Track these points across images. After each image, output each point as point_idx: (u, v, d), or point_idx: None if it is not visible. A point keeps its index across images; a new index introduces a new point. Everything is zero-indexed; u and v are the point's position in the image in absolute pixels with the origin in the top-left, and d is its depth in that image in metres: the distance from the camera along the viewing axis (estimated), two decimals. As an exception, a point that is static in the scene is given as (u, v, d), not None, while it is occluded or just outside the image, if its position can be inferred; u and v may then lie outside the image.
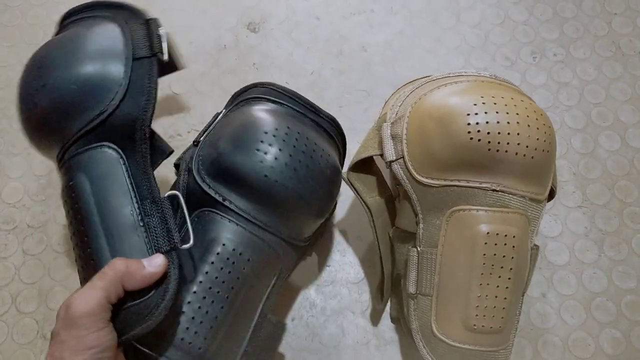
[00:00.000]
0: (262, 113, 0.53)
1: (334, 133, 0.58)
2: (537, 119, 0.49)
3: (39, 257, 0.66)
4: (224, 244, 0.49)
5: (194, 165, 0.52)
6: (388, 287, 0.59)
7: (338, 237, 0.66)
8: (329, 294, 0.63)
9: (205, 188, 0.50)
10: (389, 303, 0.62)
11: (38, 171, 0.70)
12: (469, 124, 0.47)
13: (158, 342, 0.46)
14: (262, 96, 0.56)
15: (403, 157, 0.51)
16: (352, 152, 0.57)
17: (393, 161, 0.52)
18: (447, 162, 0.48)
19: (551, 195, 0.54)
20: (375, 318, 0.62)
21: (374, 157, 0.56)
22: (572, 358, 0.59)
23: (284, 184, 0.49)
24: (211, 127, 0.55)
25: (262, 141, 0.49)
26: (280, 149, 0.49)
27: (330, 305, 0.63)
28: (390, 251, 0.58)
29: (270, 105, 0.55)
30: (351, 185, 0.55)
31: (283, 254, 0.52)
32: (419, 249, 0.52)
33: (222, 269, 0.48)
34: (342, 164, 0.59)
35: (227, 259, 0.48)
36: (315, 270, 0.65)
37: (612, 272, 0.63)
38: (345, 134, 0.60)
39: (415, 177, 0.50)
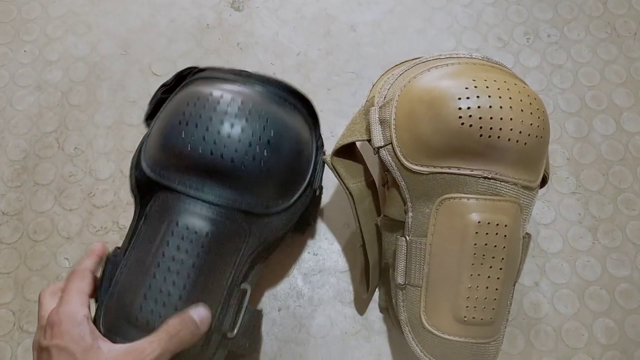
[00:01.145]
0: (188, 89, 0.52)
1: (287, 95, 0.54)
2: (530, 104, 0.47)
3: (14, 246, 0.63)
4: (177, 223, 0.48)
5: (136, 160, 0.52)
6: (375, 276, 0.57)
7: (326, 225, 0.64)
8: (317, 283, 0.62)
9: (148, 173, 0.50)
10: (377, 292, 0.60)
11: (13, 156, 0.67)
12: (460, 108, 0.44)
13: (121, 325, 0.46)
14: (200, 76, 0.55)
15: (391, 143, 0.49)
16: (339, 135, 0.54)
17: (381, 147, 0.49)
18: (437, 148, 0.46)
19: (543, 181, 0.52)
20: (361, 308, 0.61)
21: (357, 142, 0.54)
22: (565, 348, 0.58)
23: (209, 150, 0.48)
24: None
25: (183, 113, 0.49)
26: (200, 116, 0.48)
27: (318, 295, 0.61)
28: (378, 239, 0.56)
29: (202, 82, 0.53)
30: (334, 169, 0.52)
31: (247, 223, 0.50)
32: (407, 239, 0.51)
33: (178, 247, 0.47)
34: (312, 125, 0.56)
35: (182, 236, 0.47)
36: (303, 259, 0.63)
37: (606, 259, 0.61)
38: (334, 118, 0.58)
39: (404, 164, 0.48)
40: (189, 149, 0.48)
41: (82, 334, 0.43)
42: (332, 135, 0.66)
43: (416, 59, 0.54)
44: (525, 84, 0.49)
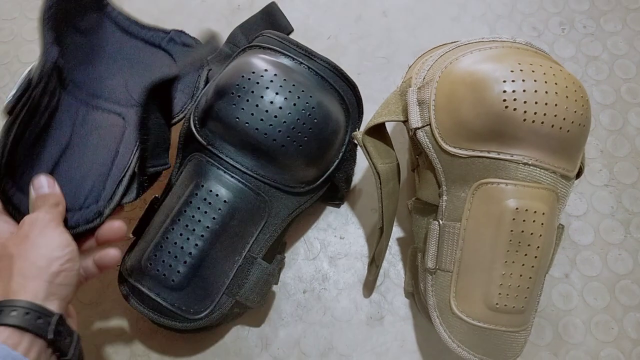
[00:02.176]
0: (246, 58, 0.53)
1: (335, 81, 0.55)
2: (575, 91, 0.46)
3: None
4: (202, 185, 0.51)
5: (191, 113, 0.54)
6: (383, 258, 0.57)
7: (353, 210, 0.64)
8: (343, 267, 0.61)
9: (195, 133, 0.53)
10: (404, 278, 0.60)
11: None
12: (504, 91, 0.44)
13: (137, 271, 0.52)
14: (259, 44, 0.56)
15: (430, 125, 0.48)
16: (368, 119, 0.54)
17: (418, 128, 0.49)
18: (478, 131, 0.45)
19: (579, 173, 0.51)
20: (367, 289, 0.60)
21: (385, 123, 0.53)
22: (594, 341, 0.57)
23: (255, 126, 0.50)
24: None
25: (237, 84, 0.51)
26: (253, 91, 0.50)
27: (344, 279, 0.61)
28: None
29: (261, 51, 0.55)
30: (364, 148, 0.52)
31: (271, 198, 0.53)
32: (440, 222, 0.50)
33: (199, 208, 0.51)
34: (350, 114, 0.57)
35: (204, 199, 0.51)
36: (329, 242, 0.62)
37: (638, 253, 0.60)
38: (363, 102, 0.57)
39: (442, 146, 0.48)
40: (237, 120, 0.50)
41: None
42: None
43: (456, 42, 0.53)
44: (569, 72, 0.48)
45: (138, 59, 0.61)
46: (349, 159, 0.58)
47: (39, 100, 0.49)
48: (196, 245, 0.50)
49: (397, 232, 0.63)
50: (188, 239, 0.50)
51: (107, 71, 0.59)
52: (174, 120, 0.54)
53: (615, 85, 0.68)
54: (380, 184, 0.52)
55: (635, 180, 0.63)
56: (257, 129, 0.50)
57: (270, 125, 0.50)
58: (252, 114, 0.50)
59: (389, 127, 0.54)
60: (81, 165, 0.51)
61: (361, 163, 0.63)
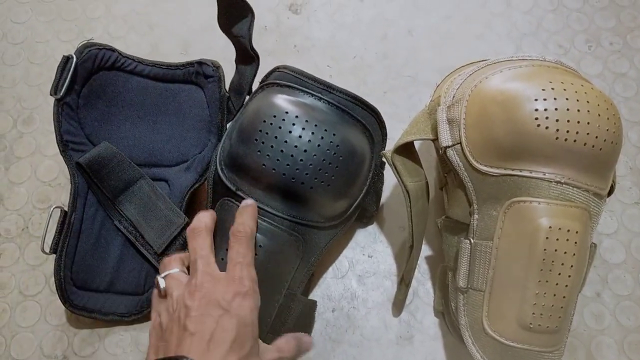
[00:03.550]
0: (266, 100, 0.53)
1: (356, 111, 0.55)
2: (607, 109, 0.46)
3: (74, 238, 0.64)
4: None
5: (217, 156, 0.55)
6: (411, 276, 0.57)
7: (381, 228, 0.64)
8: (371, 286, 0.61)
9: (223, 178, 0.53)
10: (434, 297, 0.60)
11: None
12: (536, 109, 0.44)
13: None
14: (276, 81, 0.55)
15: (460, 143, 0.48)
16: (395, 139, 0.54)
17: (449, 147, 0.49)
18: (510, 149, 0.46)
19: (610, 191, 0.51)
20: (397, 308, 0.60)
21: (414, 142, 0.53)
22: (628, 361, 0.56)
23: (282, 172, 0.50)
24: (235, 117, 0.57)
25: (260, 130, 0.50)
26: (276, 137, 0.50)
27: (372, 297, 0.61)
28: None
29: (279, 90, 0.54)
30: (394, 167, 0.52)
31: (304, 236, 0.53)
32: (472, 241, 0.50)
33: None
34: (374, 140, 0.57)
35: None
36: (357, 260, 0.62)
37: (671, 273, 0.60)
38: (389, 121, 0.58)
39: (472, 164, 0.48)
40: (263, 167, 0.50)
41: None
42: (388, 138, 0.65)
43: (484, 60, 0.53)
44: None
45: (169, 107, 0.64)
46: (377, 182, 0.58)
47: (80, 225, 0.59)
48: None
49: (426, 250, 0.62)
50: None
51: (138, 134, 0.63)
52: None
53: (643, 102, 0.68)
54: (410, 202, 0.52)
55: (666, 197, 0.63)
56: (284, 174, 0.50)
57: (297, 169, 0.50)
58: (278, 160, 0.50)
59: (416, 145, 0.54)
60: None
61: (389, 181, 0.63)
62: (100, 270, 0.59)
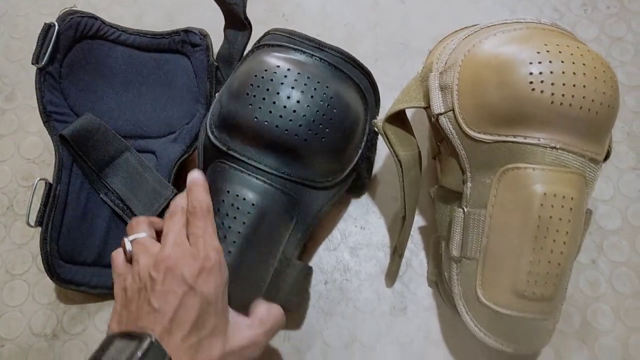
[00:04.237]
0: (257, 59, 0.52)
1: (349, 70, 0.54)
2: (604, 71, 0.44)
3: (61, 214, 0.63)
4: (228, 191, 0.50)
5: (206, 122, 0.54)
6: (405, 247, 0.56)
7: (373, 199, 0.63)
8: (364, 257, 0.60)
9: (213, 140, 0.52)
10: (427, 267, 0.59)
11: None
12: (531, 73, 0.43)
13: None
14: (267, 42, 0.55)
15: (453, 110, 0.47)
16: (388, 108, 0.53)
17: (441, 114, 0.48)
18: (504, 115, 0.44)
19: (606, 156, 0.50)
20: (390, 279, 0.59)
21: (406, 111, 0.52)
22: (623, 328, 0.56)
23: (275, 124, 0.49)
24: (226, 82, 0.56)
25: (251, 85, 0.50)
26: (268, 89, 0.49)
27: (365, 269, 0.60)
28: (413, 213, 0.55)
29: (271, 49, 0.54)
30: (385, 136, 0.51)
31: (299, 196, 0.51)
32: (465, 210, 0.49)
33: (227, 215, 0.49)
34: (368, 102, 0.55)
35: (232, 204, 0.49)
36: (350, 232, 0.62)
37: (667, 238, 0.59)
38: (382, 90, 0.57)
39: (465, 131, 0.46)
40: (255, 121, 0.49)
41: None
42: (380, 106, 0.64)
43: (477, 25, 0.52)
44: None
45: (155, 77, 0.62)
46: (371, 147, 0.57)
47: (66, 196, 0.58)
48: (229, 252, 0.48)
49: (419, 220, 0.62)
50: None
51: (123, 103, 0.62)
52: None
53: (640, 66, 0.67)
54: (402, 172, 0.51)
55: (663, 163, 0.62)
56: (277, 126, 0.49)
57: (290, 121, 0.48)
58: (270, 112, 0.48)
59: (408, 114, 0.53)
60: None
61: (381, 152, 0.62)
62: (87, 244, 0.58)
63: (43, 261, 0.56)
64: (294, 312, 0.57)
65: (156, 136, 0.61)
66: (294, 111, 0.48)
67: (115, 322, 0.44)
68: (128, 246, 0.47)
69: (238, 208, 0.49)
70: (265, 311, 0.48)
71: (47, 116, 0.58)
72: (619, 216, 0.60)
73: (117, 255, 0.48)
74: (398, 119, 0.52)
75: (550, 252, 0.46)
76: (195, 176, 0.50)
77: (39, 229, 0.57)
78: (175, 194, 0.56)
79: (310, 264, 0.60)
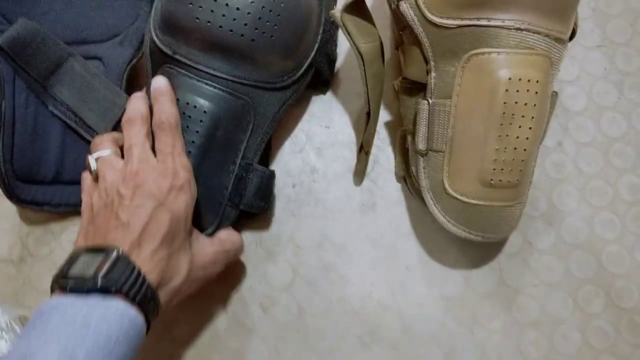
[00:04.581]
0: None
1: None
2: (569, -59, 0.41)
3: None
4: (177, 99, 0.47)
5: (150, 22, 0.50)
6: (371, 143, 0.55)
7: (336, 96, 0.61)
8: (331, 157, 0.59)
9: (158, 44, 0.48)
10: (394, 162, 0.58)
11: None
12: (490, -54, 0.39)
13: None
14: None
15: (414, -6, 0.44)
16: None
17: (401, 0, 0.45)
18: (466, -3, 0.42)
19: (572, 35, 0.48)
20: (358, 177, 0.59)
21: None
22: (588, 207, 0.57)
23: (218, 24, 0.45)
24: None
25: None
26: None
27: (332, 169, 0.59)
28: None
29: None
30: (344, 27, 0.48)
31: (253, 99, 0.49)
32: (430, 101, 0.47)
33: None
34: None
35: (183, 113, 0.47)
36: (314, 132, 0.60)
37: (631, 114, 0.58)
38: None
39: (427, 17, 0.44)
40: (197, 21, 0.45)
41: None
42: None
43: None
44: None
45: None
46: (329, 40, 0.54)
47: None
48: None
49: (384, 115, 0.60)
50: None
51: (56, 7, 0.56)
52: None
53: None
54: (364, 65, 0.49)
55: (628, 38, 0.60)
56: (220, 26, 0.45)
57: (234, 20, 0.45)
58: (212, 11, 0.45)
59: (368, 2, 0.49)
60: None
61: (342, 45, 0.59)
62: (43, 161, 0.55)
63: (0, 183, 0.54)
64: (263, 216, 0.56)
65: (100, 40, 0.56)
66: (237, 9, 0.45)
67: (82, 238, 0.44)
68: (92, 164, 0.46)
69: (190, 117, 0.47)
70: (226, 235, 0.50)
71: None
72: (584, 96, 0.59)
73: (86, 176, 0.47)
74: (357, 8, 0.49)
75: (516, 139, 0.45)
76: (160, 83, 0.47)
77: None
78: None
79: (276, 167, 0.59)
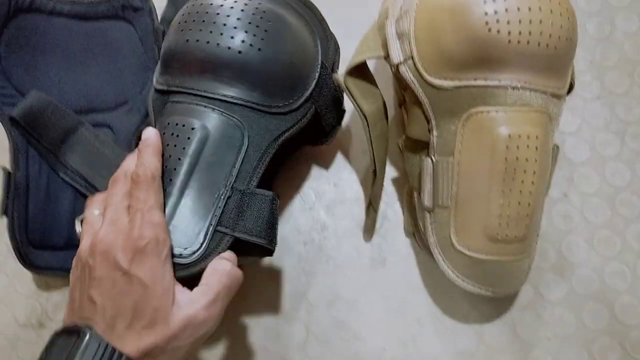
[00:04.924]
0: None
1: (299, 9, 0.53)
2: (559, 3, 0.43)
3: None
4: (168, 123, 0.48)
5: (153, 78, 0.52)
6: (379, 201, 0.56)
7: (344, 154, 0.62)
8: (340, 214, 0.60)
9: (157, 86, 0.51)
10: (403, 218, 0.59)
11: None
12: (486, 13, 0.41)
13: None
14: None
15: (412, 58, 0.46)
16: (348, 58, 0.51)
17: (400, 63, 0.46)
18: (462, 59, 0.43)
19: (570, 89, 0.49)
20: (367, 234, 0.59)
21: (367, 61, 0.50)
22: (597, 257, 0.57)
23: (205, 40, 0.47)
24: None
25: (182, 15, 0.50)
26: (197, 12, 0.49)
27: (342, 226, 0.60)
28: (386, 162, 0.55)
29: None
30: (348, 90, 0.49)
31: (245, 121, 0.48)
32: (433, 159, 0.49)
33: (167, 145, 0.48)
34: (315, 31, 0.54)
35: (172, 134, 0.48)
36: (323, 191, 0.61)
37: (635, 163, 0.59)
38: (342, 40, 0.54)
39: (426, 79, 0.45)
40: (187, 42, 0.48)
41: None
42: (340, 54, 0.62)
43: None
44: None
45: (98, 47, 0.59)
46: (330, 87, 0.53)
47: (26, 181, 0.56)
48: (170, 180, 0.46)
49: (391, 172, 0.61)
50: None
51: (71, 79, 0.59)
52: None
53: (599, -9, 0.65)
54: (369, 126, 0.50)
55: (627, 88, 0.62)
56: (208, 42, 0.47)
57: (221, 34, 0.47)
58: (201, 30, 0.47)
59: (370, 64, 0.51)
60: None
61: (348, 105, 0.60)
62: (55, 227, 0.56)
63: (15, 251, 0.55)
64: (270, 248, 0.49)
65: (108, 108, 0.59)
66: (224, 24, 0.47)
67: (68, 312, 0.43)
68: (77, 227, 0.45)
69: (178, 135, 0.48)
70: (210, 272, 0.44)
71: None
72: (586, 147, 0.60)
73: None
74: (359, 71, 0.51)
75: (519, 194, 0.46)
76: (148, 135, 0.47)
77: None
78: None
79: (287, 225, 0.60)
